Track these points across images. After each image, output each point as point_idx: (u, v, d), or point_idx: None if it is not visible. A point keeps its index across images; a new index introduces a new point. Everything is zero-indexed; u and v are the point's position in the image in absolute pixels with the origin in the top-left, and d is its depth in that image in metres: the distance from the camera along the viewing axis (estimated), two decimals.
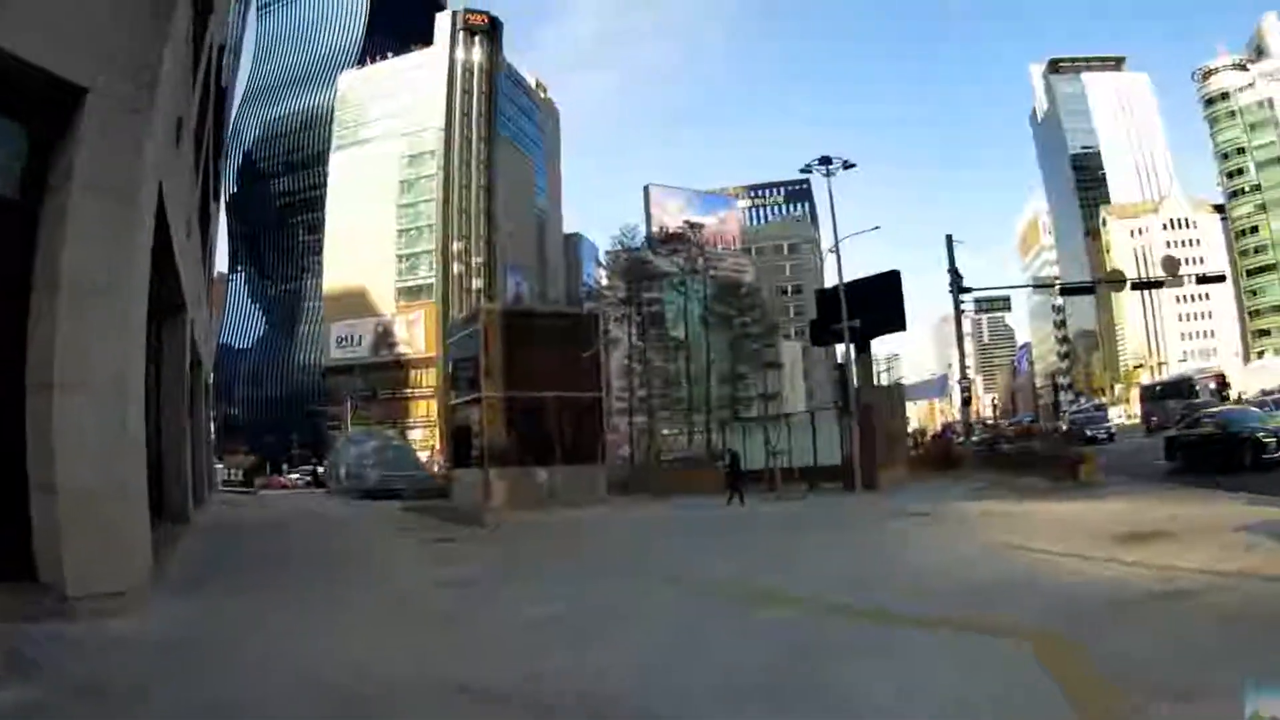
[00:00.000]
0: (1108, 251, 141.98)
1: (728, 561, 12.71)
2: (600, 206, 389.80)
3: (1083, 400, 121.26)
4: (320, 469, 63.90)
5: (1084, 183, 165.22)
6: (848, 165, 35.10)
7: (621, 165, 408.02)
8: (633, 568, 12.32)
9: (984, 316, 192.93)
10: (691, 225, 78.68)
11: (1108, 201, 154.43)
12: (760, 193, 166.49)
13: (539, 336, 26.29)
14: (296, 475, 78.91)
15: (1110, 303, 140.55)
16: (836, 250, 34.84)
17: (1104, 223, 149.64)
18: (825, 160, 34.85)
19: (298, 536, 19.26)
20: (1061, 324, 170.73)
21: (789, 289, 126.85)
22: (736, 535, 17.52)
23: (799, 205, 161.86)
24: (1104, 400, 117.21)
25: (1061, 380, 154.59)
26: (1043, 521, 15.39)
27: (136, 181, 9.08)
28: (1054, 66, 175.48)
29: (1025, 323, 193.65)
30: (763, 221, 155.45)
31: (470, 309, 47.82)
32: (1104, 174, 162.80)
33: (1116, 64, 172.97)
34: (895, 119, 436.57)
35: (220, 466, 70.46)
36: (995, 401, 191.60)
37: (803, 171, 36.02)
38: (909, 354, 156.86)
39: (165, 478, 17.54)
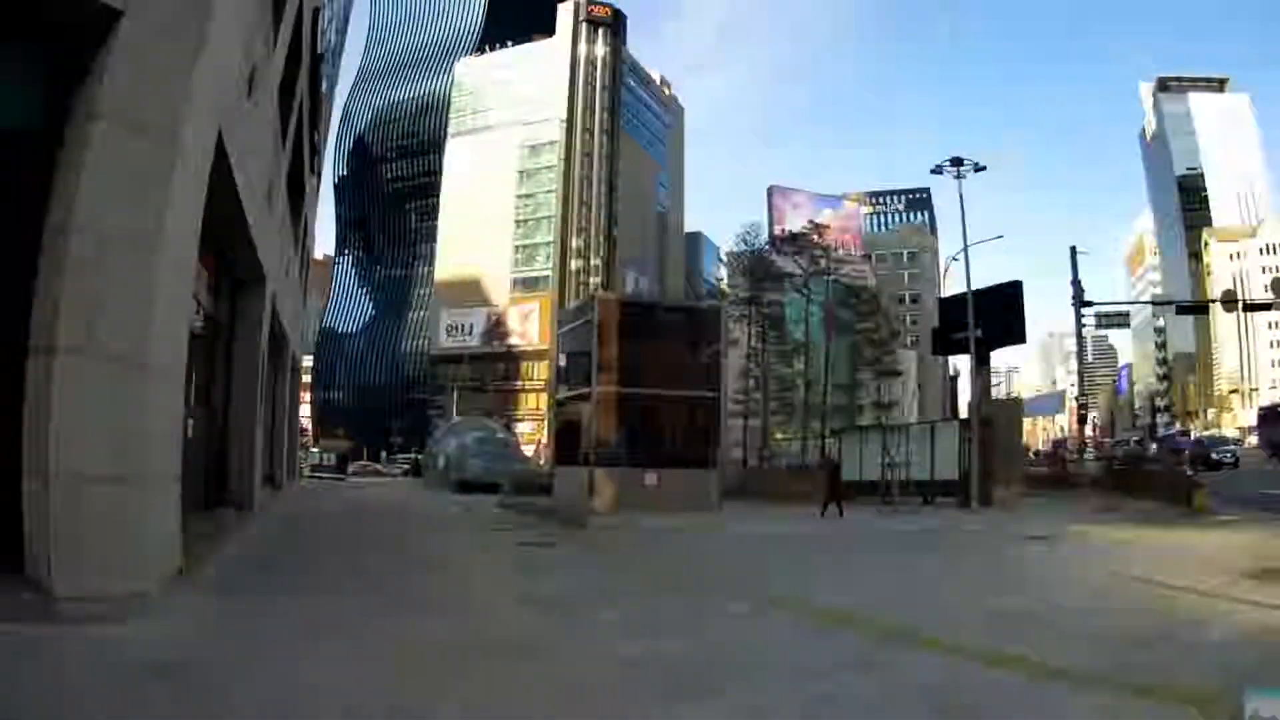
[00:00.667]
0: (1209, 274, 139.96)
1: (850, 587, 11.09)
2: (720, 206, 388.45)
3: (1176, 424, 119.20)
4: (420, 457, 63.12)
5: (1189, 204, 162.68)
6: (978, 168, 34.64)
7: (742, 166, 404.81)
8: (746, 591, 10.45)
9: (1089, 335, 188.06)
10: (816, 225, 76.74)
11: (1210, 223, 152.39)
12: (881, 199, 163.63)
13: (656, 330, 24.58)
14: (389, 464, 78.68)
15: (1208, 326, 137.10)
16: (965, 255, 34.07)
17: (1205, 245, 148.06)
18: (957, 161, 34.38)
19: (374, 531, 17.80)
20: (1162, 345, 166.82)
21: (907, 297, 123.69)
22: (856, 555, 15.76)
23: (919, 214, 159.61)
24: (1193, 425, 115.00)
25: (1160, 402, 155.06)
26: (1167, 551, 15.00)
27: (178, 118, 7.75)
28: (1162, 85, 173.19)
29: (1127, 343, 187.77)
30: (883, 229, 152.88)
31: (584, 297, 45.83)
32: (1206, 195, 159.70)
33: (1220, 85, 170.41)
34: (1008, 123, 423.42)
35: (315, 451, 70.68)
36: (1095, 420, 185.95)
37: (933, 172, 35.20)
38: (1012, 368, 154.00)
39: (230, 462, 16.47)
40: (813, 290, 68.96)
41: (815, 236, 73.76)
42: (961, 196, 35.61)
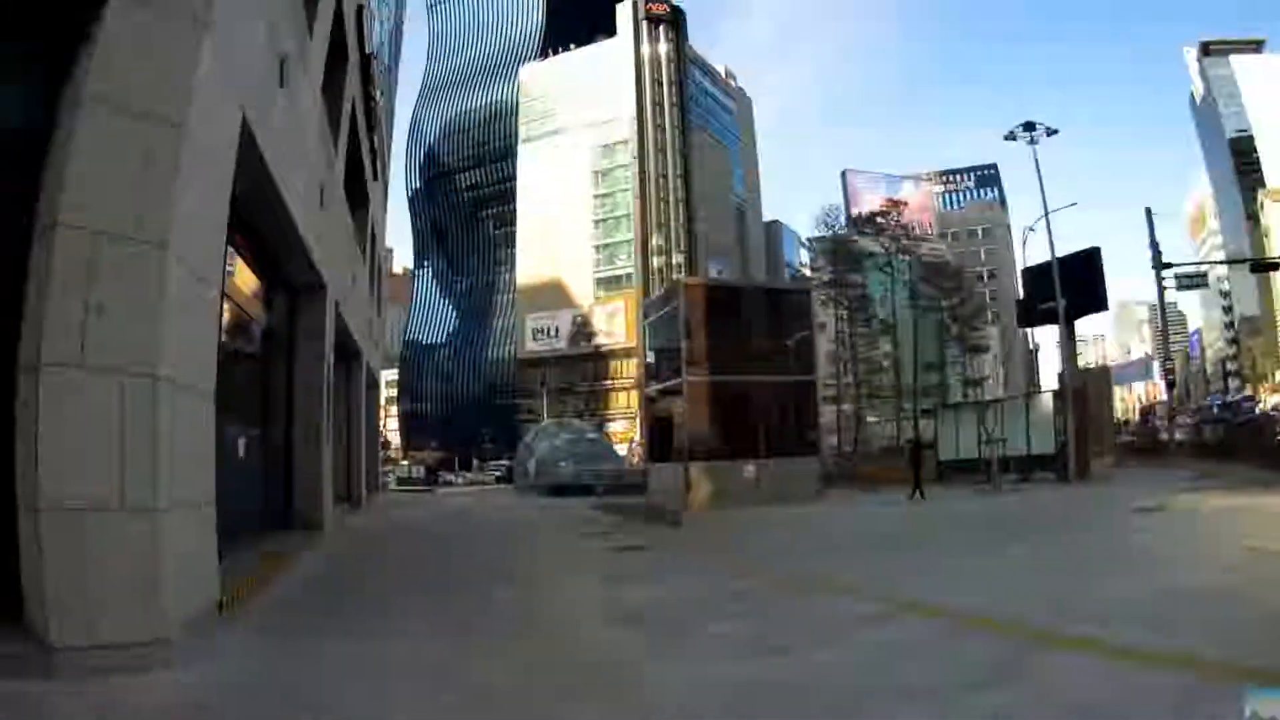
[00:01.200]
0: (1266, 236, 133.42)
1: (978, 580, 9.79)
2: (794, 194, 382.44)
3: (1245, 389, 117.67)
4: (511, 464, 62.14)
5: (1242, 166, 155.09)
6: (1051, 131, 34.07)
7: (812, 153, 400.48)
8: (863, 590, 9.22)
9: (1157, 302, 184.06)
10: (895, 203, 74.77)
11: (1264, 184, 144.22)
12: (951, 178, 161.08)
13: (745, 314, 23.13)
14: (481, 472, 78.43)
15: (1270, 289, 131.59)
16: (1047, 222, 33.41)
17: (1261, 206, 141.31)
18: (1029, 126, 33.99)
19: (455, 546, 16.51)
20: (1228, 309, 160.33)
21: (984, 274, 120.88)
22: (973, 542, 14.30)
23: (988, 190, 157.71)
24: (1263, 389, 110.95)
25: (1230, 366, 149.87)
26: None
27: (182, 103, 6.86)
28: (1205, 50, 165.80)
29: (1195, 308, 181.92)
30: (954, 207, 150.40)
31: (668, 284, 44.16)
32: (1258, 157, 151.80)
33: (1256, 46, 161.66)
34: (1059, 91, 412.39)
35: (405, 464, 70.64)
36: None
37: (1006, 138, 34.67)
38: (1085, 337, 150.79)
39: (295, 481, 15.70)
40: (896, 269, 67.53)
41: (895, 214, 71.76)
42: (1038, 162, 34.27)
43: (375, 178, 28.25)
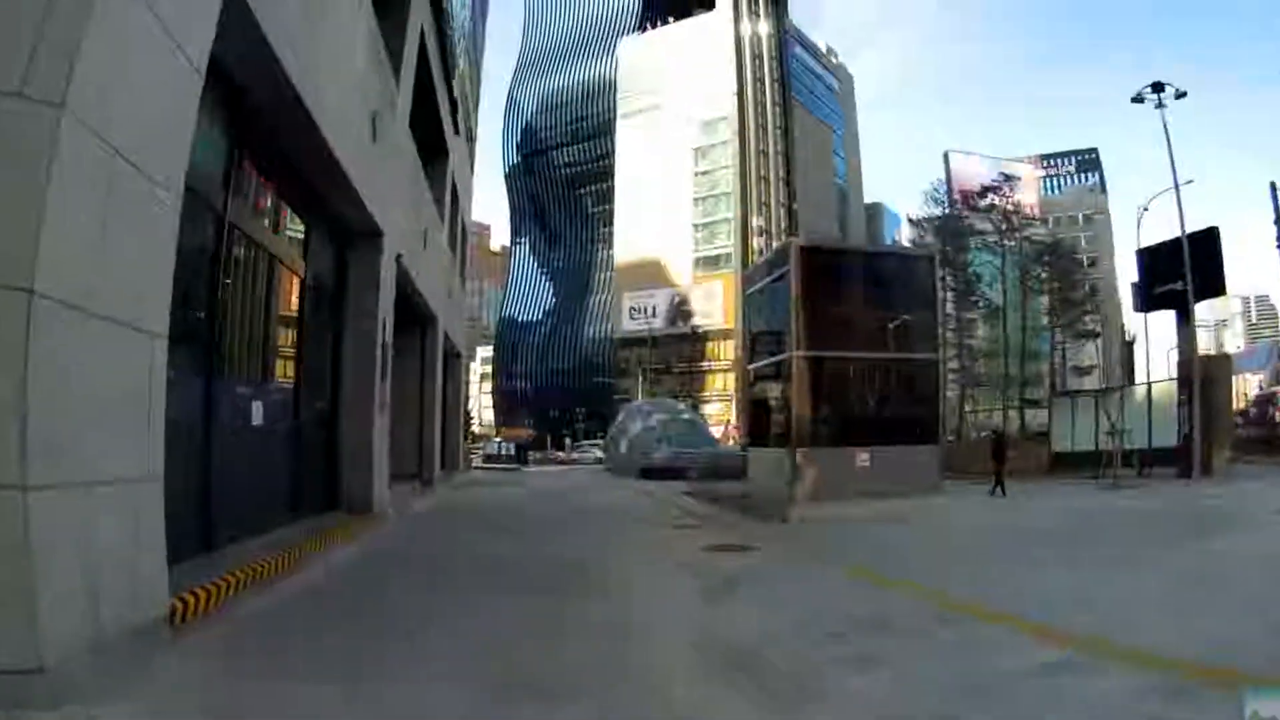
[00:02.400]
0: None
1: (1158, 604, 7.49)
2: (893, 178, 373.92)
3: None
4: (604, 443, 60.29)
5: None
6: (1179, 94, 31.79)
7: (910, 136, 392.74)
8: (1028, 614, 6.90)
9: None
10: (1007, 178, 70.86)
11: None
12: (1052, 162, 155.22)
13: (862, 282, 19.88)
14: (574, 451, 77.08)
15: None
16: (1177, 194, 30.54)
17: None
18: (1158, 87, 31.76)
19: (523, 540, 13.41)
20: None
21: (1086, 261, 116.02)
22: (1120, 548, 11.49)
23: (1089, 175, 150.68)
24: None
25: None
26: None
27: None
28: None
29: None
30: (1055, 191, 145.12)
31: (775, 248, 40.76)
32: None
33: None
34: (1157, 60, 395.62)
35: (497, 441, 69.64)
36: None
37: (1134, 101, 32.42)
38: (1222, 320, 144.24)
39: (342, 456, 13.64)
40: (1006, 248, 64.06)
41: (1008, 189, 68.14)
42: (1166, 128, 31.63)
43: (457, 132, 26.16)
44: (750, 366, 21.91)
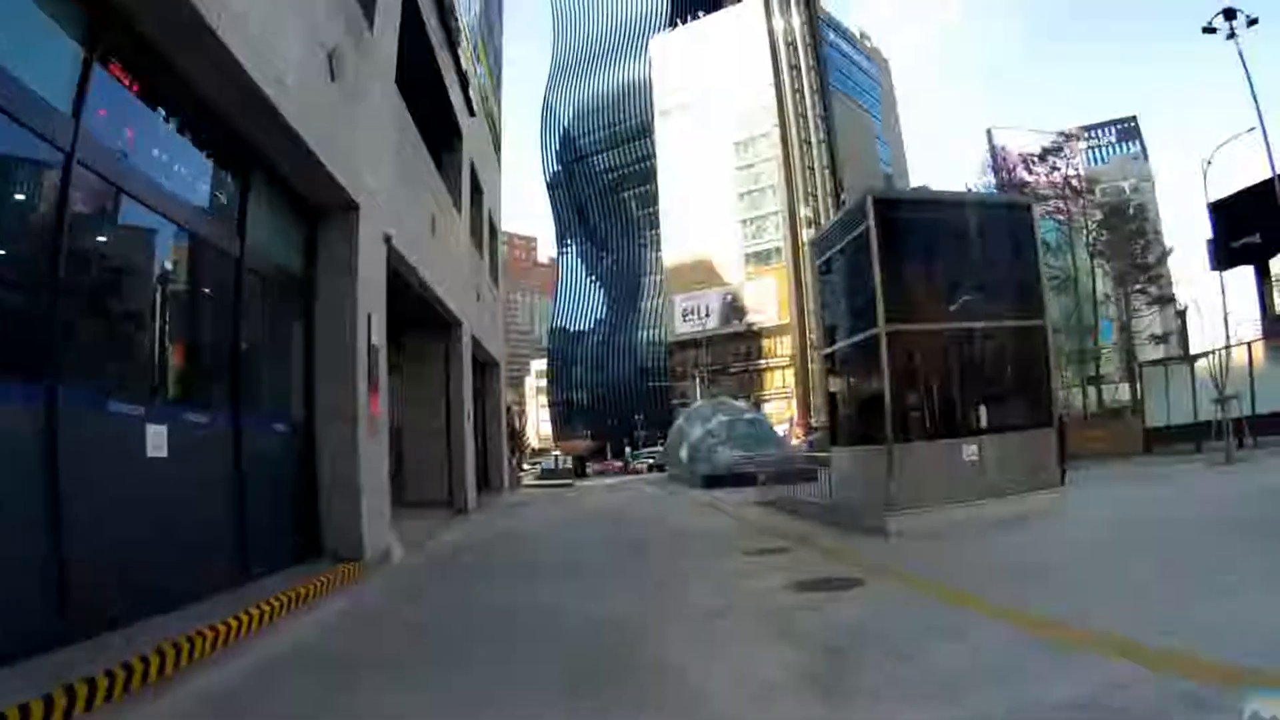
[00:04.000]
0: None
1: None
2: (935, 158, 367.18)
3: None
4: (661, 450, 57.04)
5: None
6: (1251, 21, 30.26)
7: (950, 113, 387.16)
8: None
9: None
10: (1069, 136, 66.30)
11: None
12: (1093, 133, 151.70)
13: (953, 237, 16.00)
14: (634, 459, 74.60)
15: None
16: (1263, 128, 28.49)
17: None
18: (1229, 14, 30.11)
19: (561, 580, 10.05)
20: None
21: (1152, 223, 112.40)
22: None
23: (1129, 144, 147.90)
24: None
25: None
26: None
27: None
28: None
29: None
30: (1097, 162, 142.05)
31: (846, 207, 36.93)
32: None
33: None
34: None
35: (555, 454, 67.20)
36: None
37: (1206, 30, 30.91)
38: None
39: (320, 495, 10.66)
40: (1070, 215, 60.09)
41: (1068, 150, 63.92)
42: (1243, 56, 30.17)
43: (472, 113, 23.26)
44: (825, 351, 18.13)
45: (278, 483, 9.79)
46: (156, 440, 7.02)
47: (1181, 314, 55.69)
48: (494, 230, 30.25)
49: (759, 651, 6.20)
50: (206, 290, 8.57)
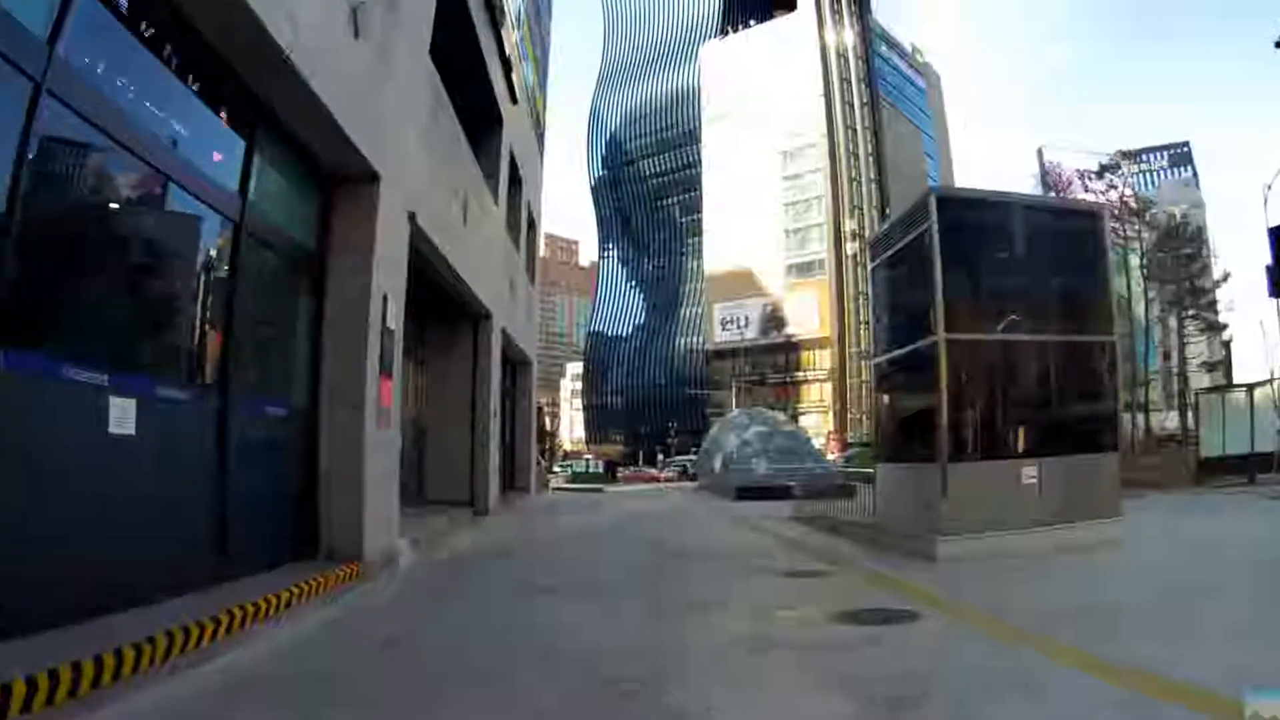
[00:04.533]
0: None
1: None
2: (984, 176, 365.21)
3: None
4: (694, 458, 56.45)
5: None
6: None
7: (998, 133, 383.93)
8: None
9: None
10: (1126, 154, 64.79)
11: None
12: (1144, 157, 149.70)
13: (1020, 243, 14.72)
14: (666, 467, 73.88)
15: None
16: None
17: None
18: None
19: (577, 598, 9.13)
20: None
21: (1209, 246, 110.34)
22: None
23: (1181, 169, 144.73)
24: None
25: None
26: None
27: None
28: None
29: None
30: (1147, 187, 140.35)
31: (911, 205, 35.11)
32: None
33: None
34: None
35: (587, 458, 66.99)
36: None
37: (1277, 46, 26.67)
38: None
39: (321, 487, 9.69)
40: (1126, 236, 57.83)
41: (1126, 170, 62.59)
42: None
43: (515, 101, 22.50)
44: (876, 359, 16.95)
45: (271, 471, 8.86)
46: (121, 415, 6.14)
47: (1227, 344, 54.55)
48: (533, 224, 29.46)
49: (802, 700, 5.20)
50: (197, 254, 7.67)
